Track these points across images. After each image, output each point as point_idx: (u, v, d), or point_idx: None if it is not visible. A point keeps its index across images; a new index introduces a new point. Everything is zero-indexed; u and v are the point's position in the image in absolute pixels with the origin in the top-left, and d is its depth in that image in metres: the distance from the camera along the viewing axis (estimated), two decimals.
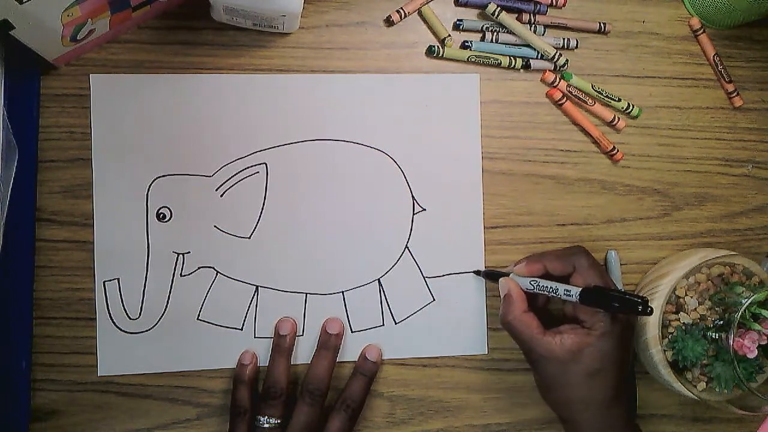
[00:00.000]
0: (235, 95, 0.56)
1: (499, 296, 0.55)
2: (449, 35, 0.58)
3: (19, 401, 0.52)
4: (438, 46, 0.58)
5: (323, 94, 0.57)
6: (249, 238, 0.55)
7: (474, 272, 0.58)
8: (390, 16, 0.57)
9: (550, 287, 0.52)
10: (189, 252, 0.55)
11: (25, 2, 0.42)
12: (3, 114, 0.49)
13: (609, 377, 0.51)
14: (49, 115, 0.54)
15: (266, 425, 0.52)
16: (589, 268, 0.52)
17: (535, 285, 0.53)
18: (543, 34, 0.59)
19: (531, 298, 0.55)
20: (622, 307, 0.49)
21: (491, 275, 0.57)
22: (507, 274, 0.55)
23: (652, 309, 0.48)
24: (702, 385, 0.56)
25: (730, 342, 0.53)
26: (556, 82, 0.59)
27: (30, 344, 0.53)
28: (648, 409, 0.60)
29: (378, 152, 0.57)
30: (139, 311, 0.54)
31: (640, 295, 0.49)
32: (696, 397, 0.56)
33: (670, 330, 0.55)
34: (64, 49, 0.51)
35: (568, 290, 0.51)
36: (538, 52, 0.59)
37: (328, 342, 0.55)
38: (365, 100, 0.57)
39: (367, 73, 0.57)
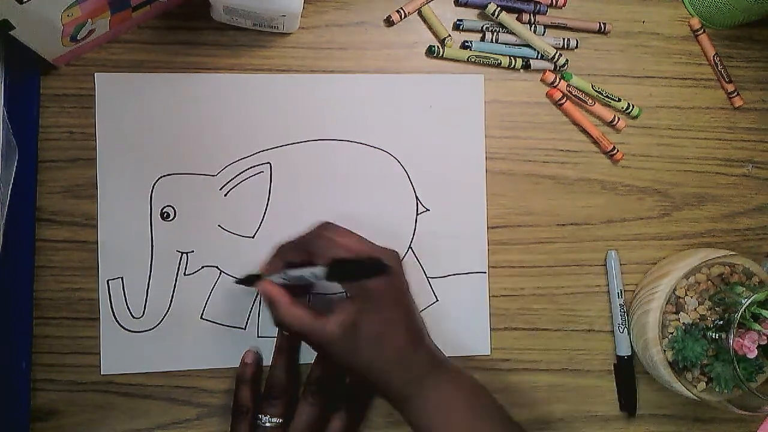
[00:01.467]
0: (240, 95, 0.56)
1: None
2: (449, 35, 0.58)
3: (19, 401, 0.52)
4: (438, 46, 0.58)
5: (328, 94, 0.57)
6: (253, 237, 0.55)
7: (235, 281, 0.54)
8: (390, 16, 0.57)
9: (299, 275, 0.48)
10: (193, 251, 0.55)
11: (25, 2, 0.42)
12: (3, 114, 0.49)
13: (396, 332, 0.48)
14: (49, 115, 0.54)
15: (267, 424, 0.52)
16: (327, 246, 0.48)
17: (285, 278, 0.49)
18: (543, 34, 0.59)
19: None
20: (364, 273, 0.46)
21: (246, 280, 0.53)
22: (260, 276, 0.52)
23: (389, 267, 0.45)
24: (702, 385, 0.56)
25: (730, 342, 0.53)
26: (556, 82, 0.59)
27: (30, 344, 0.53)
28: (648, 409, 0.60)
29: (382, 152, 0.57)
30: (142, 310, 0.54)
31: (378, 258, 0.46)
32: (696, 397, 0.56)
33: (670, 330, 0.56)
34: (64, 49, 0.51)
35: (313, 272, 0.47)
36: (538, 52, 0.59)
37: None
38: (369, 100, 0.57)
39: (367, 73, 0.57)
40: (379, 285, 0.48)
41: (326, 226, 0.51)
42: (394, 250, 0.51)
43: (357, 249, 0.49)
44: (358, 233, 0.50)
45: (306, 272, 0.48)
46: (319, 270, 0.47)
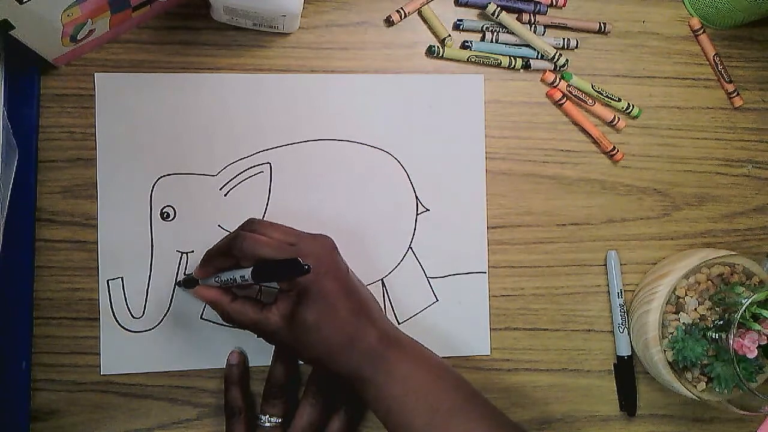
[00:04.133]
0: (239, 95, 0.56)
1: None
2: (449, 35, 0.58)
3: (19, 401, 0.52)
4: (438, 46, 0.58)
5: (328, 94, 0.57)
6: None
7: (175, 283, 0.54)
8: (390, 16, 0.57)
9: (230, 278, 0.49)
10: (193, 251, 0.55)
11: (25, 2, 0.42)
12: (3, 114, 0.49)
13: (335, 317, 0.48)
14: (49, 115, 0.54)
15: (267, 424, 0.52)
16: (249, 246, 0.48)
17: (218, 281, 0.50)
18: (543, 34, 0.59)
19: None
20: (286, 274, 0.46)
21: (186, 283, 0.53)
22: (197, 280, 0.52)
23: (308, 267, 0.44)
24: (702, 385, 0.56)
25: (730, 342, 0.53)
26: (556, 82, 0.59)
27: (30, 344, 0.53)
28: (648, 409, 0.60)
29: (382, 152, 0.57)
30: (142, 310, 0.54)
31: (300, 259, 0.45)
32: (696, 397, 0.56)
33: (670, 330, 0.56)
34: (64, 49, 0.51)
35: (242, 276, 0.48)
36: (538, 52, 0.59)
37: None
38: (369, 100, 0.57)
39: (367, 73, 0.57)
40: (309, 276, 0.47)
41: (249, 224, 0.50)
42: (323, 236, 0.50)
43: (278, 244, 0.48)
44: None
45: (235, 275, 0.49)
46: (245, 273, 0.48)
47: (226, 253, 0.49)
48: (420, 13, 0.58)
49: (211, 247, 0.51)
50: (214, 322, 0.55)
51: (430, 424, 0.47)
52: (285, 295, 0.49)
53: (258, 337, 0.50)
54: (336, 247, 0.51)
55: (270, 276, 0.48)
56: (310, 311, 0.47)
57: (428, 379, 0.49)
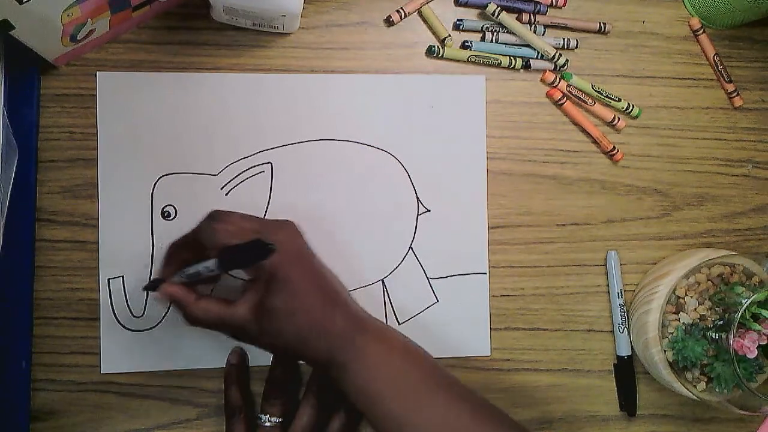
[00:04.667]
0: (241, 94, 0.56)
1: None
2: (449, 35, 0.58)
3: (19, 401, 0.52)
4: (438, 46, 0.58)
5: (328, 94, 0.57)
6: None
7: (143, 288, 0.53)
8: (390, 16, 0.57)
9: (195, 272, 0.48)
10: None
11: (25, 2, 0.42)
12: (3, 114, 0.49)
13: (306, 301, 0.47)
14: (49, 115, 0.54)
15: (267, 423, 0.52)
16: (213, 236, 0.47)
17: (184, 277, 0.49)
18: (543, 34, 0.59)
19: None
20: (251, 258, 0.45)
21: (151, 286, 0.51)
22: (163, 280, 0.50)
23: (272, 246, 0.43)
24: (702, 385, 0.56)
25: (730, 342, 0.53)
26: (556, 82, 0.59)
27: (30, 344, 0.53)
28: (648, 409, 0.60)
29: (383, 152, 0.57)
30: (142, 309, 0.54)
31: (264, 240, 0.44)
32: (696, 397, 0.56)
33: (670, 330, 0.56)
34: (64, 49, 0.51)
35: (207, 266, 0.47)
36: (538, 52, 0.59)
37: None
38: (370, 100, 0.57)
39: (367, 74, 0.57)
40: (275, 261, 0.46)
41: (213, 215, 0.49)
42: (286, 221, 0.50)
43: (243, 231, 0.47)
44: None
45: (200, 267, 0.47)
46: (211, 263, 0.46)
47: (190, 245, 0.49)
48: (420, 13, 0.58)
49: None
50: None
51: (405, 406, 0.47)
52: (252, 286, 0.48)
53: (228, 337, 0.49)
54: (301, 233, 0.50)
55: (236, 262, 0.47)
56: (279, 298, 0.47)
57: (400, 361, 0.49)
